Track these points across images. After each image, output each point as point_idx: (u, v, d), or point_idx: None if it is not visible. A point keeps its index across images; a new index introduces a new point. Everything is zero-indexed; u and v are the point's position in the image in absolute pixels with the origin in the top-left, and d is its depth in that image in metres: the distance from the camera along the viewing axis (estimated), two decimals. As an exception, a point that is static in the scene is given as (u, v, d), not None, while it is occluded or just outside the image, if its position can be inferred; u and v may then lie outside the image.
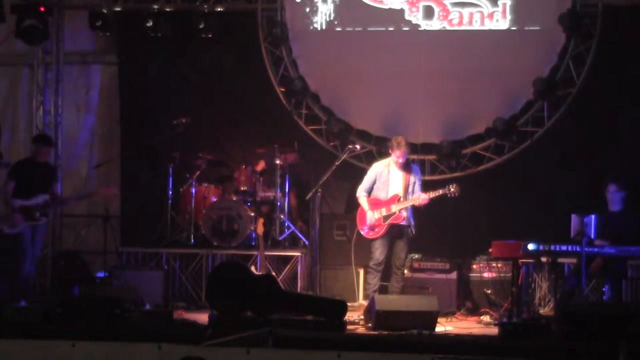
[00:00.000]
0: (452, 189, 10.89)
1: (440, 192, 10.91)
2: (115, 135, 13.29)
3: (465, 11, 12.44)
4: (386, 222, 10.89)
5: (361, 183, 11.12)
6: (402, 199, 10.94)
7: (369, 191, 11.06)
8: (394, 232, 10.94)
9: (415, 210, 11.02)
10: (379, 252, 10.89)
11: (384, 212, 10.90)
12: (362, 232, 11.07)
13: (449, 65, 12.45)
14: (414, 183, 11.02)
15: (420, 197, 10.86)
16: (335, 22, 12.75)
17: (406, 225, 10.94)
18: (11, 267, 11.36)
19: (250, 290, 9.74)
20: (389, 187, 10.99)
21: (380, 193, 11.01)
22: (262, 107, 12.92)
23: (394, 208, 10.90)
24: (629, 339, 8.29)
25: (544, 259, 10.89)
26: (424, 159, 12.66)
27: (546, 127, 12.28)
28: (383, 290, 10.94)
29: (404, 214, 10.90)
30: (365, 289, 11.11)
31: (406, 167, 11.06)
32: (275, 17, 12.78)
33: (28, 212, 11.21)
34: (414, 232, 10.98)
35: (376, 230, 10.92)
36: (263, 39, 12.78)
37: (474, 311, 11.43)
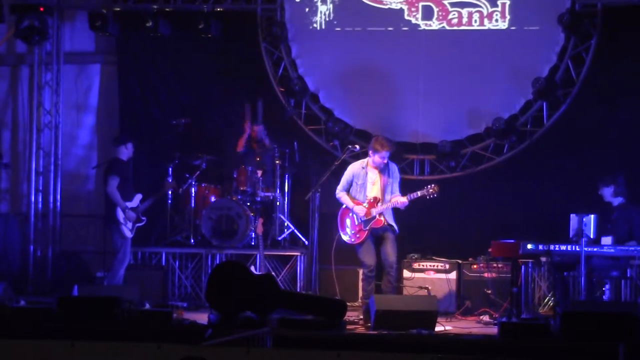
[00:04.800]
0: (431, 190, 10.76)
1: (419, 193, 10.76)
2: (115, 135, 13.28)
3: (465, 11, 12.44)
4: (366, 228, 10.83)
5: (339, 183, 11.08)
6: (380, 202, 10.88)
7: (347, 191, 11.02)
8: (377, 234, 10.88)
9: (398, 209, 10.94)
10: (368, 257, 10.81)
11: (363, 217, 10.86)
12: (343, 238, 11.03)
13: (448, 65, 12.46)
14: (392, 183, 10.94)
15: (399, 201, 10.78)
16: (335, 22, 12.75)
17: (388, 226, 10.88)
18: (113, 270, 11.45)
19: (250, 290, 9.74)
20: (366, 190, 10.92)
21: (357, 195, 10.95)
22: (262, 106, 12.92)
23: (374, 212, 10.83)
24: (628, 338, 8.31)
25: (543, 259, 10.92)
26: (423, 159, 12.68)
27: (545, 127, 12.28)
28: (376, 290, 10.90)
29: (383, 217, 10.86)
30: (363, 296, 11.09)
31: (383, 166, 10.95)
32: (274, 17, 12.79)
33: (135, 214, 11.35)
34: (397, 232, 10.91)
35: (358, 235, 10.88)
36: (262, 39, 12.79)
37: (474, 311, 11.43)
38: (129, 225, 11.41)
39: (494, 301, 11.40)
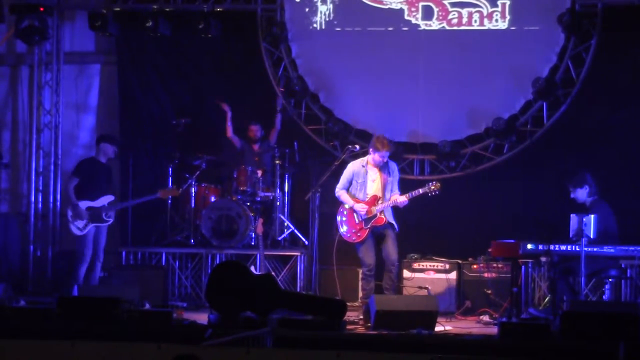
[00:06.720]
0: (432, 187, 10.77)
1: (421, 191, 10.77)
2: (114, 135, 13.27)
3: (465, 11, 12.44)
4: (367, 226, 10.82)
5: (338, 182, 11.05)
6: (381, 200, 10.87)
7: (347, 190, 10.99)
8: (378, 232, 10.87)
9: (397, 208, 10.93)
10: (368, 257, 10.80)
11: (364, 215, 10.84)
12: (343, 236, 11.00)
13: (448, 65, 12.46)
14: (392, 181, 10.93)
15: (399, 199, 10.78)
16: (335, 22, 12.75)
17: (389, 224, 10.87)
18: (71, 268, 11.52)
19: (250, 290, 9.73)
20: (366, 188, 10.90)
21: (357, 194, 10.93)
22: (262, 107, 12.91)
23: (375, 210, 10.83)
24: (628, 338, 8.31)
25: (543, 259, 10.91)
26: (423, 159, 12.67)
27: (545, 127, 12.28)
28: (377, 289, 10.90)
29: (384, 215, 10.85)
30: (362, 296, 11.08)
31: (383, 165, 10.95)
32: (274, 17, 12.78)
33: (95, 213, 11.37)
34: (397, 230, 10.90)
35: (359, 234, 10.87)
36: (262, 39, 12.79)
37: (474, 311, 11.43)
38: (79, 223, 11.46)
39: (494, 301, 11.40)
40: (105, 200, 11.60)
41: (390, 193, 10.88)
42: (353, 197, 10.95)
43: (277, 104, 12.79)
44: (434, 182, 10.84)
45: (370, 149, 10.98)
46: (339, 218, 11.02)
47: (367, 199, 10.86)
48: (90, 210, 11.50)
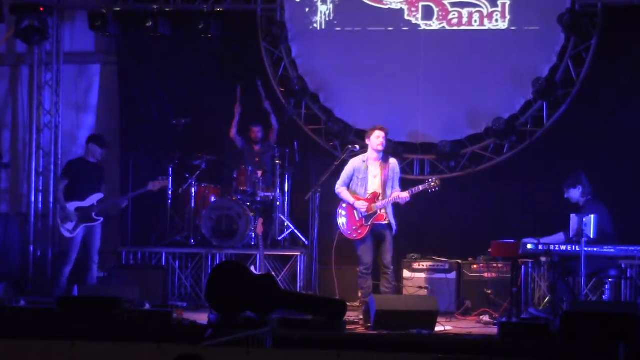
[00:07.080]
0: (432, 184, 10.73)
1: (421, 188, 10.72)
2: (114, 135, 13.29)
3: (465, 11, 12.45)
4: (368, 223, 10.78)
5: (339, 179, 10.99)
6: (381, 197, 10.84)
7: (347, 186, 10.93)
8: (377, 231, 10.82)
9: (397, 207, 10.89)
10: (366, 255, 10.72)
11: (364, 212, 10.83)
12: (342, 231, 10.96)
13: (448, 65, 12.46)
14: (393, 178, 10.87)
15: (401, 196, 10.74)
16: (335, 22, 12.76)
17: (388, 224, 10.82)
18: (56, 267, 11.56)
19: (250, 290, 9.74)
20: (367, 184, 10.83)
21: (358, 189, 10.86)
22: (263, 107, 12.90)
23: (375, 207, 10.77)
24: (628, 338, 8.31)
25: (543, 259, 10.92)
26: (423, 159, 12.67)
27: (545, 127, 12.28)
28: (375, 290, 10.86)
29: (385, 212, 10.82)
30: (361, 295, 11.05)
31: (384, 161, 10.88)
32: (274, 17, 12.79)
33: (85, 214, 11.38)
34: (396, 229, 10.86)
35: (359, 231, 10.84)
36: (262, 39, 12.79)
37: (474, 311, 11.43)
38: (68, 225, 11.48)
39: (494, 301, 11.39)
40: (95, 198, 11.59)
41: (391, 190, 10.84)
42: (354, 193, 10.87)
43: (265, 105, 12.69)
44: (434, 179, 10.83)
45: (367, 140, 10.90)
46: (338, 211, 10.94)
47: (367, 196, 10.82)
48: (80, 210, 11.50)
